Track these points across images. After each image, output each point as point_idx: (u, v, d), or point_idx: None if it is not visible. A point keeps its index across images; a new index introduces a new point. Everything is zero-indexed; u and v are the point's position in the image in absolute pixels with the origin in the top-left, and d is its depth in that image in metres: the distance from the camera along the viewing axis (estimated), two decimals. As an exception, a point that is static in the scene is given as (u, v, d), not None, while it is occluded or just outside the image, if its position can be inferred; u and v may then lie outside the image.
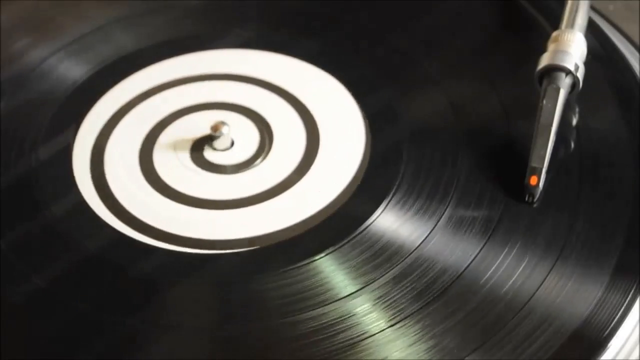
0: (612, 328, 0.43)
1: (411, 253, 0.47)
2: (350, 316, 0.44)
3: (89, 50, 0.59)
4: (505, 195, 0.49)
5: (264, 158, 0.53)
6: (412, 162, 0.51)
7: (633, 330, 0.44)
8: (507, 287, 0.45)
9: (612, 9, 0.69)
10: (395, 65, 0.57)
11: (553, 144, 0.50)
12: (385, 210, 0.49)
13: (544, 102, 0.51)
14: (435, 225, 0.48)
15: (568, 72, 0.52)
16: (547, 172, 0.49)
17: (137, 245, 0.48)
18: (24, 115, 0.55)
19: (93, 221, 0.49)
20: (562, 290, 0.45)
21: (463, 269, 0.46)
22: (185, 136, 0.54)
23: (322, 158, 0.53)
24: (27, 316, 0.45)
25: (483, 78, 0.56)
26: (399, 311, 0.45)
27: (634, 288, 0.45)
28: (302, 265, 0.47)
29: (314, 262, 0.47)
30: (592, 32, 0.57)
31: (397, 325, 0.44)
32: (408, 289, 0.45)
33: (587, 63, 0.54)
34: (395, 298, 0.45)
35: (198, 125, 0.54)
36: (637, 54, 0.58)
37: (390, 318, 0.44)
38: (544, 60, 0.53)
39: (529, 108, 0.52)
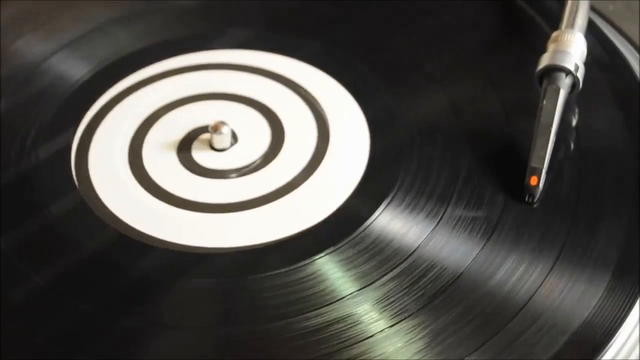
0: (612, 329, 0.43)
1: (411, 253, 0.47)
2: (350, 316, 0.44)
3: (89, 50, 0.59)
4: (505, 195, 0.49)
5: (267, 161, 0.53)
6: (412, 162, 0.51)
7: (633, 330, 0.44)
8: (507, 287, 0.45)
9: (612, 9, 0.69)
10: (395, 65, 0.57)
11: (553, 144, 0.50)
12: (385, 211, 0.49)
13: (544, 102, 0.51)
14: (436, 225, 0.48)
15: (568, 72, 0.52)
16: (547, 172, 0.49)
17: (137, 245, 0.48)
18: (24, 115, 0.55)
19: (93, 221, 0.49)
20: (562, 290, 0.45)
21: (463, 269, 0.46)
22: (186, 136, 0.54)
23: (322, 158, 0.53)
24: (27, 316, 0.45)
25: (483, 78, 0.56)
26: (398, 311, 0.45)
27: (634, 289, 0.45)
28: (301, 266, 0.47)
29: (314, 262, 0.47)
30: (592, 32, 0.57)
31: (397, 326, 0.44)
32: (408, 289, 0.45)
33: (587, 63, 0.54)
34: (395, 298, 0.45)
35: (198, 120, 0.54)
36: (637, 54, 0.58)
37: (390, 318, 0.44)
38: (544, 61, 0.53)
39: (529, 108, 0.52)
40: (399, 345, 0.43)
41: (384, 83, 0.56)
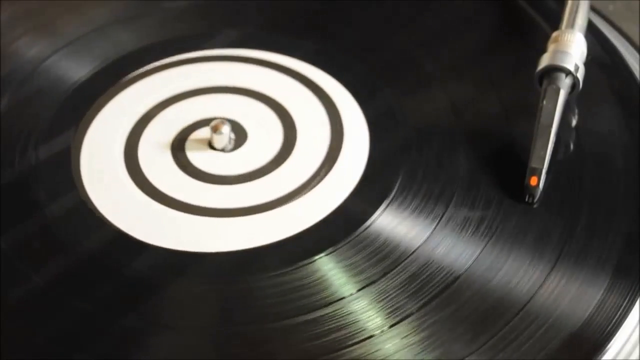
0: (612, 329, 0.43)
1: (411, 253, 0.47)
2: (350, 316, 0.44)
3: (89, 50, 0.59)
4: (506, 195, 0.49)
5: (273, 167, 0.53)
6: (412, 162, 0.51)
7: (633, 331, 0.44)
8: (507, 287, 0.45)
9: (612, 9, 0.69)
10: (395, 65, 0.57)
11: (553, 145, 0.50)
12: (386, 211, 0.49)
13: (544, 102, 0.51)
14: (436, 225, 0.48)
15: (568, 72, 0.52)
16: (547, 172, 0.49)
17: (136, 245, 0.48)
18: (24, 115, 0.55)
19: (93, 221, 0.49)
20: (563, 291, 0.45)
21: (463, 269, 0.46)
22: (184, 135, 0.54)
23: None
24: (27, 316, 0.45)
25: (483, 78, 0.56)
26: (398, 311, 0.45)
27: (634, 289, 0.45)
28: (301, 266, 0.47)
29: (314, 262, 0.47)
30: (592, 32, 0.57)
31: (397, 326, 0.44)
32: (408, 289, 0.45)
33: (587, 63, 0.54)
34: (395, 298, 0.45)
35: (199, 115, 0.55)
36: (637, 54, 0.58)
37: (390, 318, 0.44)
38: (544, 61, 0.53)
39: (529, 108, 0.52)
40: (398, 345, 0.43)
41: (384, 83, 0.56)
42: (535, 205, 0.49)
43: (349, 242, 0.48)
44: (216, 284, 0.46)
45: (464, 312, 0.44)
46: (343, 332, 0.44)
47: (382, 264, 0.47)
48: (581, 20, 0.55)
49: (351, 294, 0.45)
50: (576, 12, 0.56)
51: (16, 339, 0.44)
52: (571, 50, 0.53)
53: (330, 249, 0.47)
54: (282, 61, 0.58)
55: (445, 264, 0.46)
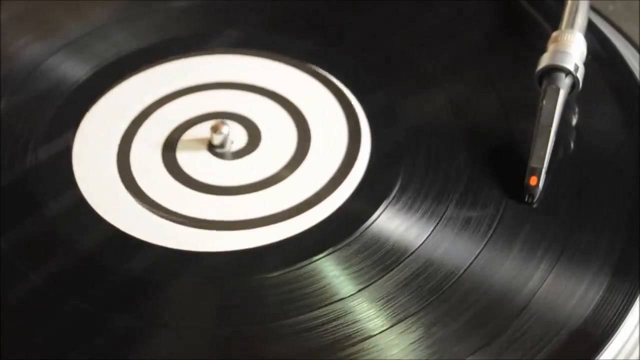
0: (612, 328, 0.43)
1: (411, 253, 0.47)
2: (350, 316, 0.44)
3: (89, 50, 0.59)
4: (505, 195, 0.49)
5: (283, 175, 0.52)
6: (412, 163, 0.51)
7: (633, 330, 0.44)
8: (507, 287, 0.45)
9: (612, 9, 0.69)
10: (395, 65, 0.57)
11: (553, 144, 0.50)
12: (386, 211, 0.49)
13: (544, 102, 0.51)
14: (436, 225, 0.48)
15: (568, 72, 0.52)
16: (547, 172, 0.49)
17: (136, 245, 0.48)
18: (24, 115, 0.55)
19: (93, 221, 0.49)
20: (563, 290, 0.45)
21: (463, 269, 0.46)
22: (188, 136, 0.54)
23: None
24: (26, 315, 0.45)
25: (483, 78, 0.56)
26: (399, 311, 0.45)
27: (635, 288, 0.45)
28: (301, 266, 0.47)
29: (314, 263, 0.47)
30: (592, 32, 0.57)
31: (398, 326, 0.44)
32: (408, 289, 0.45)
33: (587, 63, 0.54)
34: (395, 298, 0.45)
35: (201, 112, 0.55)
36: (637, 54, 0.58)
37: (390, 318, 0.44)
38: (544, 61, 0.53)
39: (529, 108, 0.52)
40: (398, 345, 0.43)
41: (383, 83, 0.56)
42: (535, 205, 0.49)
43: (349, 242, 0.48)
44: (216, 284, 0.46)
45: (463, 312, 0.44)
46: (343, 332, 0.44)
47: (382, 264, 0.47)
48: (581, 20, 0.55)
49: (351, 294, 0.45)
50: (576, 12, 0.56)
51: (16, 338, 0.44)
52: (571, 50, 0.53)
53: (331, 249, 0.47)
54: (282, 61, 0.58)
55: (445, 263, 0.46)
